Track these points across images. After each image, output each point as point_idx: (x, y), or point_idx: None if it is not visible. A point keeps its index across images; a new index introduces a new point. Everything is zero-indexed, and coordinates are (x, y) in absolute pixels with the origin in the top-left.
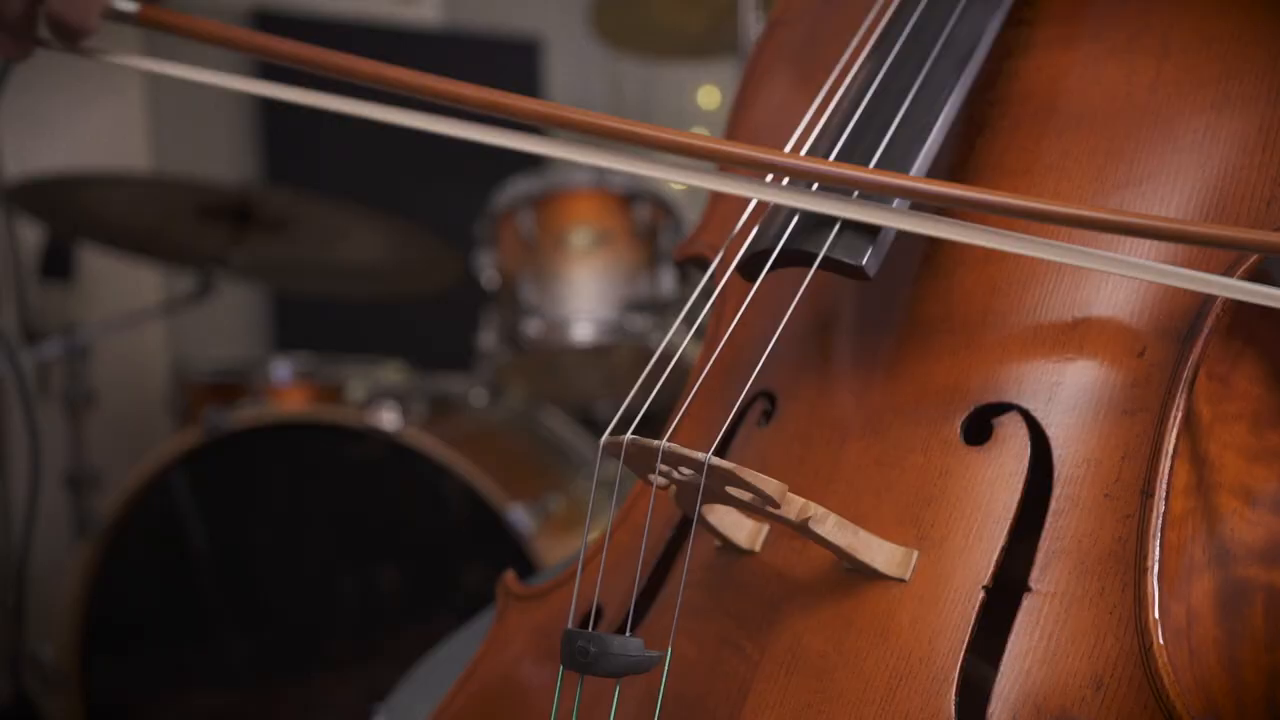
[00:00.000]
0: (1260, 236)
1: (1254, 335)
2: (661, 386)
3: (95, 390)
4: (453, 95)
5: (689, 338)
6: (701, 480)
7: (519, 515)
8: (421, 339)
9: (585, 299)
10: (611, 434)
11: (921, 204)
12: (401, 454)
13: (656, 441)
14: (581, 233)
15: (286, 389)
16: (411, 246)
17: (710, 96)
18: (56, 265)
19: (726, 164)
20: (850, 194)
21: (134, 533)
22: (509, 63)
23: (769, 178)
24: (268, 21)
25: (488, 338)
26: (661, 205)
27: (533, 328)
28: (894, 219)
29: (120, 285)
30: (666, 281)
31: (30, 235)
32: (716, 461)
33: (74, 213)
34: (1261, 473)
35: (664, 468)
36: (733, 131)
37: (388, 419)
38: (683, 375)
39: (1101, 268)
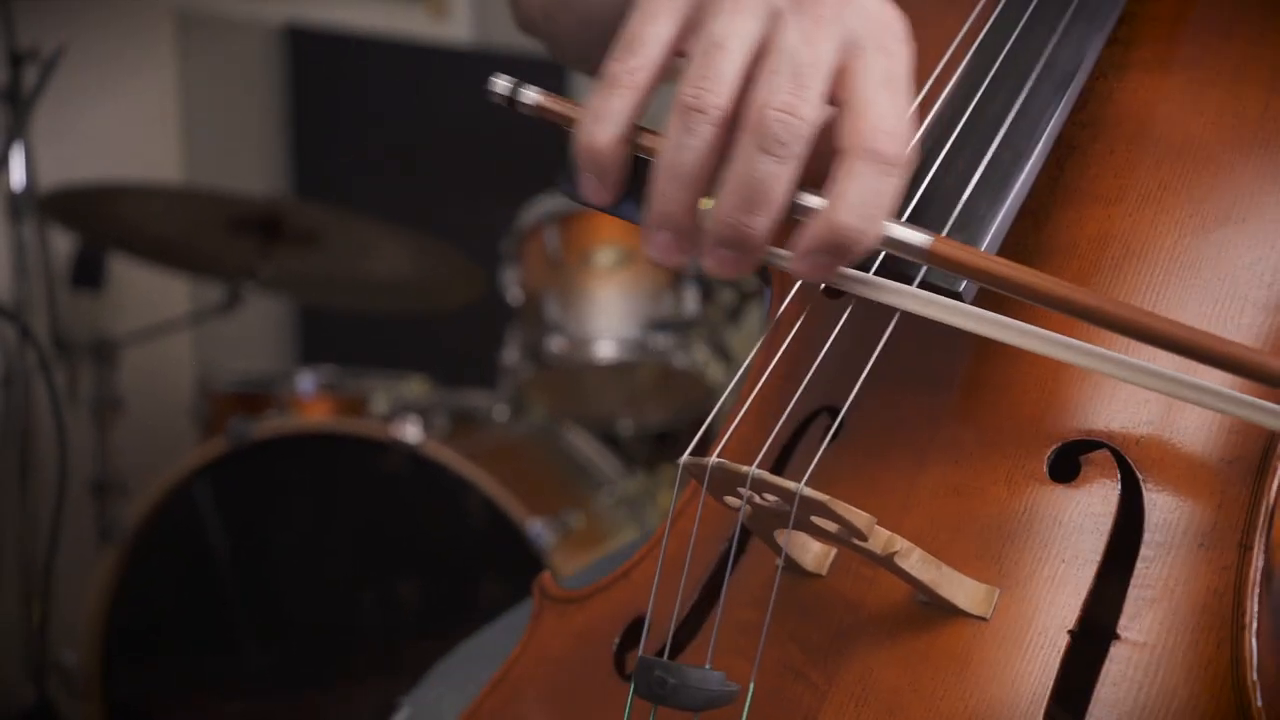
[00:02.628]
0: None
1: None
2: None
3: (122, 398)
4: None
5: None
6: (793, 511)
7: (538, 530)
8: (446, 354)
9: (608, 317)
10: (692, 454)
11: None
12: (423, 467)
13: (745, 467)
14: (606, 251)
15: (310, 401)
16: (437, 262)
17: None
18: (88, 274)
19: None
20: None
21: (158, 541)
22: (538, 81)
23: None
24: (299, 37)
25: (511, 354)
26: None
27: (556, 344)
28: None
29: (149, 295)
30: (690, 301)
31: (62, 244)
32: (809, 493)
33: (106, 223)
34: None
35: (745, 492)
36: None
37: (410, 432)
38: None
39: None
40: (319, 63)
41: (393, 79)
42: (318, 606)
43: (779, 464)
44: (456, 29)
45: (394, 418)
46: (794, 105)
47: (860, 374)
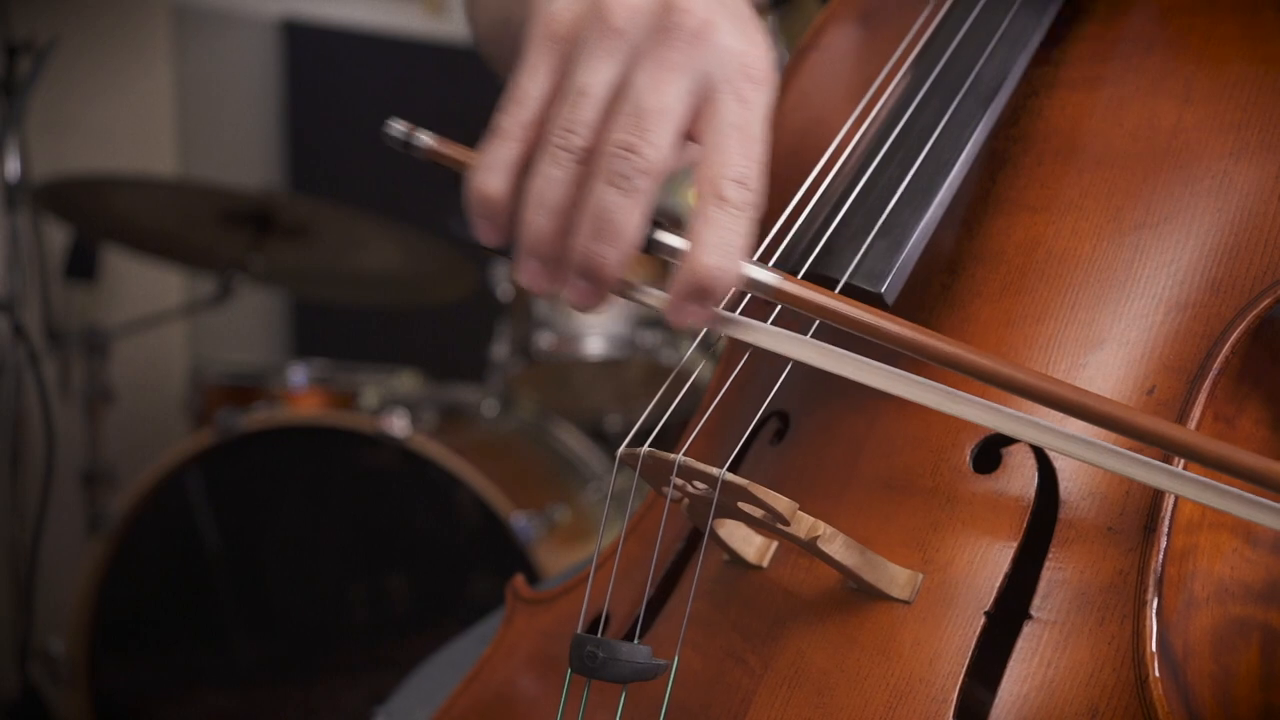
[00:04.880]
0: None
1: (1261, 380)
2: (679, 402)
3: (114, 389)
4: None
5: (694, 352)
6: (715, 495)
7: (523, 524)
8: (438, 349)
9: (597, 314)
10: (629, 446)
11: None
12: (411, 460)
13: (673, 455)
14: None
15: (302, 394)
16: (428, 257)
17: None
18: (81, 265)
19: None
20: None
21: (146, 531)
22: None
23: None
24: (297, 32)
25: (501, 349)
26: (676, 222)
27: (545, 340)
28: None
29: (143, 287)
30: None
31: (56, 235)
32: (730, 477)
33: (99, 215)
34: None
35: (679, 481)
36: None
37: (398, 426)
38: (699, 391)
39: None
40: (315, 57)
41: (388, 74)
42: (305, 598)
43: (734, 465)
44: (452, 24)
45: (382, 411)
46: (634, 144)
47: (811, 379)
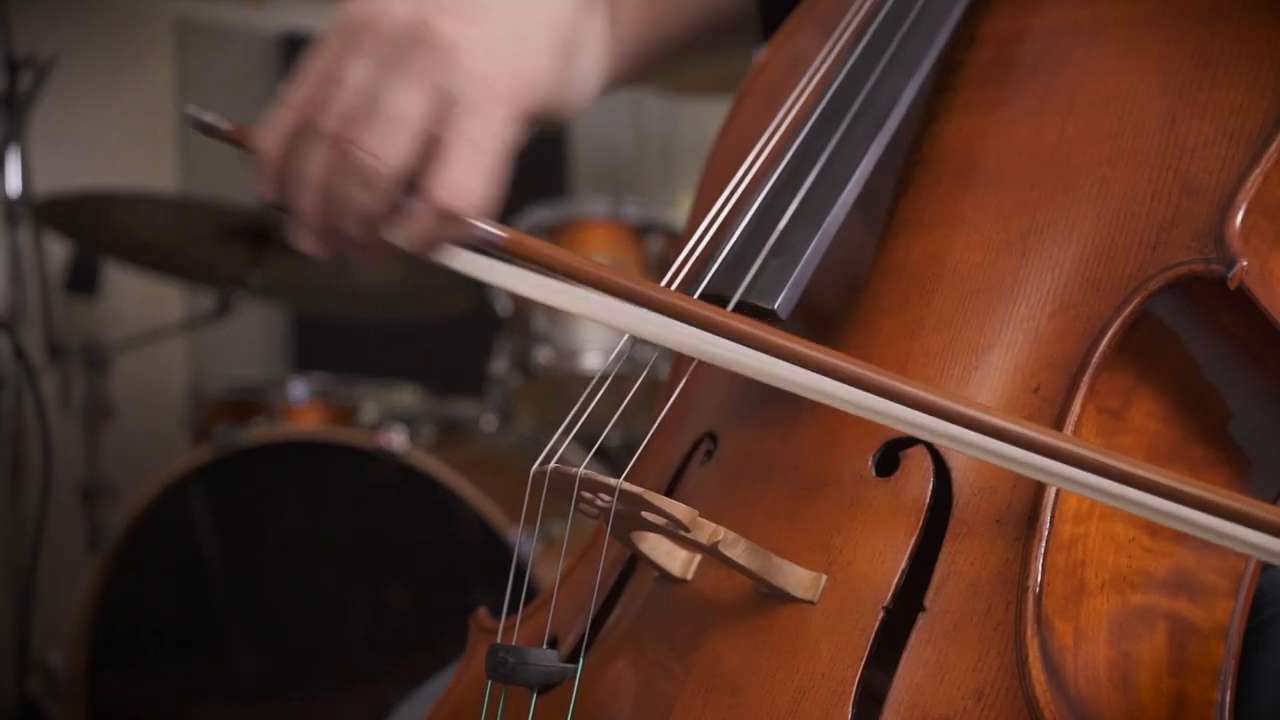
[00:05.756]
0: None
1: (1146, 373)
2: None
3: (114, 404)
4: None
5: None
6: (613, 505)
7: (521, 540)
8: (439, 364)
9: (595, 328)
10: (540, 464)
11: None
12: (410, 475)
13: (574, 469)
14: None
15: (302, 408)
16: (426, 271)
17: None
18: (82, 280)
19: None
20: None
21: (145, 545)
22: None
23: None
24: (296, 46)
25: (500, 364)
26: (674, 237)
27: (544, 355)
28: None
29: (143, 302)
30: None
31: (57, 250)
32: (627, 487)
33: (100, 230)
34: None
35: (585, 494)
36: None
37: (397, 441)
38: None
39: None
40: None
41: None
42: (303, 613)
43: (671, 486)
44: None
45: (381, 426)
46: (364, 141)
47: (740, 401)
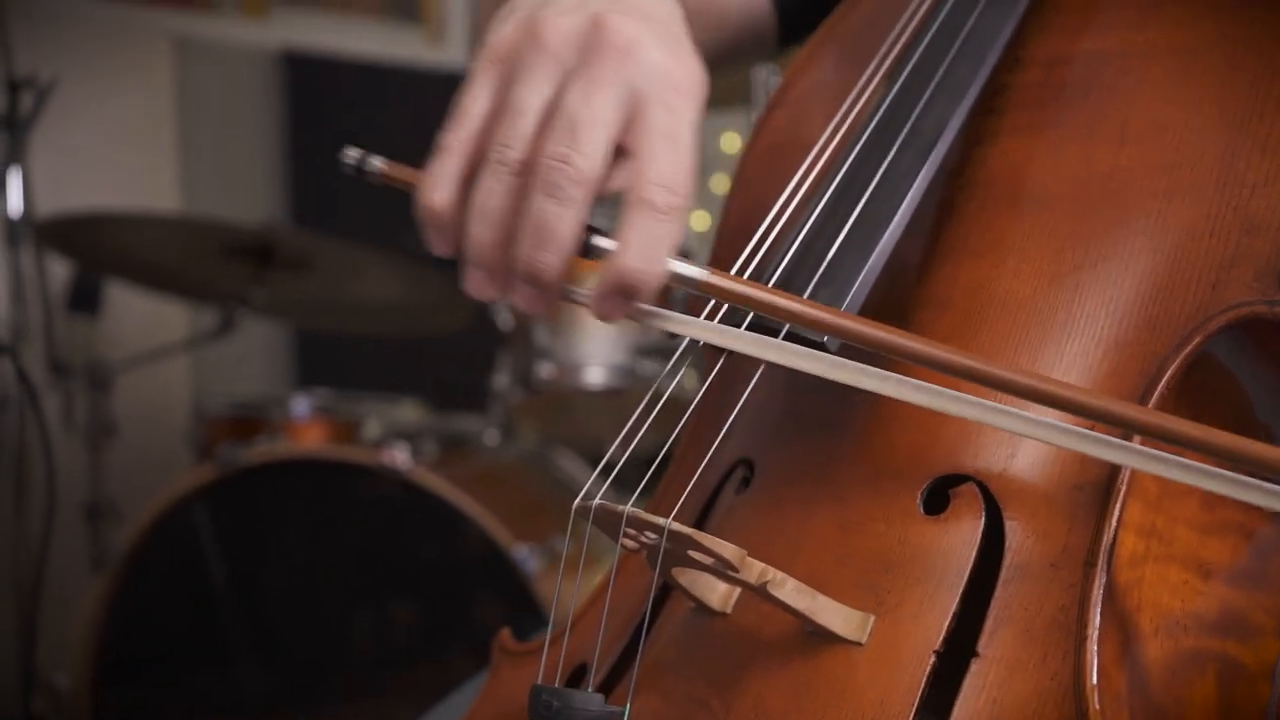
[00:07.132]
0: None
1: (1204, 411)
2: (640, 442)
3: (117, 423)
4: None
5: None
6: (662, 544)
7: (524, 555)
8: (442, 379)
9: (598, 343)
10: (584, 498)
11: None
12: (413, 492)
13: (622, 506)
14: (596, 278)
15: (305, 425)
16: (428, 287)
17: (732, 142)
18: (84, 300)
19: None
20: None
21: (149, 565)
22: None
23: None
24: (296, 63)
25: (502, 379)
26: (685, 254)
27: (545, 370)
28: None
29: (145, 321)
30: None
31: (59, 270)
32: (676, 527)
33: (102, 250)
34: (1215, 546)
35: (630, 531)
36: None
37: (399, 458)
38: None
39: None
40: (316, 88)
41: (389, 104)
42: (307, 630)
43: (701, 516)
44: (452, 53)
45: (383, 443)
46: (567, 155)
47: (775, 425)
